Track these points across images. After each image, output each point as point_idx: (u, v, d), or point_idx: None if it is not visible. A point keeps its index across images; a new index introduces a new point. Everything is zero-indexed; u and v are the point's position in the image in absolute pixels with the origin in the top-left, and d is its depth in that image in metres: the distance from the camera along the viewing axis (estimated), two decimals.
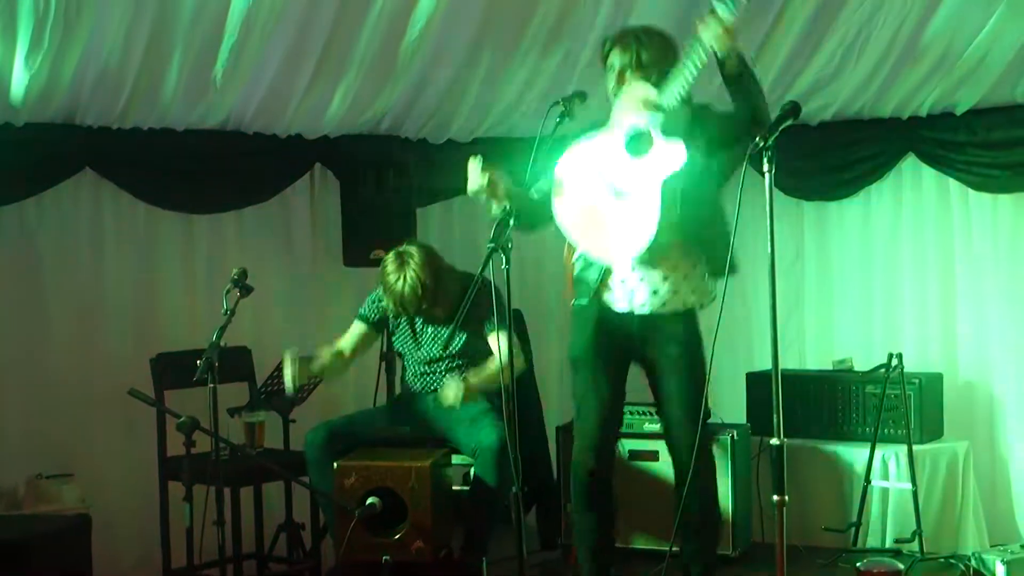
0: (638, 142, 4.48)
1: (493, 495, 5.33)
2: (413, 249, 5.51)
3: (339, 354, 5.65)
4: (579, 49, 6.02)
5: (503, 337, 4.85)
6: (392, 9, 5.48)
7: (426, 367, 5.70)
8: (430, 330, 5.64)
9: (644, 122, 4.42)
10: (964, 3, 5.59)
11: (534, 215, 4.73)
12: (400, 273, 5.43)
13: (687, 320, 4.65)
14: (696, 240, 4.59)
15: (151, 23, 5.16)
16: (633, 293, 4.61)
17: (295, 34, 5.55)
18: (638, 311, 4.62)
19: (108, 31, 5.12)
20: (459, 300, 5.38)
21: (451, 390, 5.29)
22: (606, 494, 4.85)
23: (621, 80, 4.60)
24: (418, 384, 5.74)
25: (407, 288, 5.40)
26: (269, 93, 5.95)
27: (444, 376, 5.57)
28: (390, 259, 5.50)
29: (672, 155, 4.39)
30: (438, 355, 5.62)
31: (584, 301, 4.72)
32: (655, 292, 4.59)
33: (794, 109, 3.87)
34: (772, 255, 3.72)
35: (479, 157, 4.64)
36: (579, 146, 4.65)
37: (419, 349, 5.68)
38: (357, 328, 5.74)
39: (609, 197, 4.53)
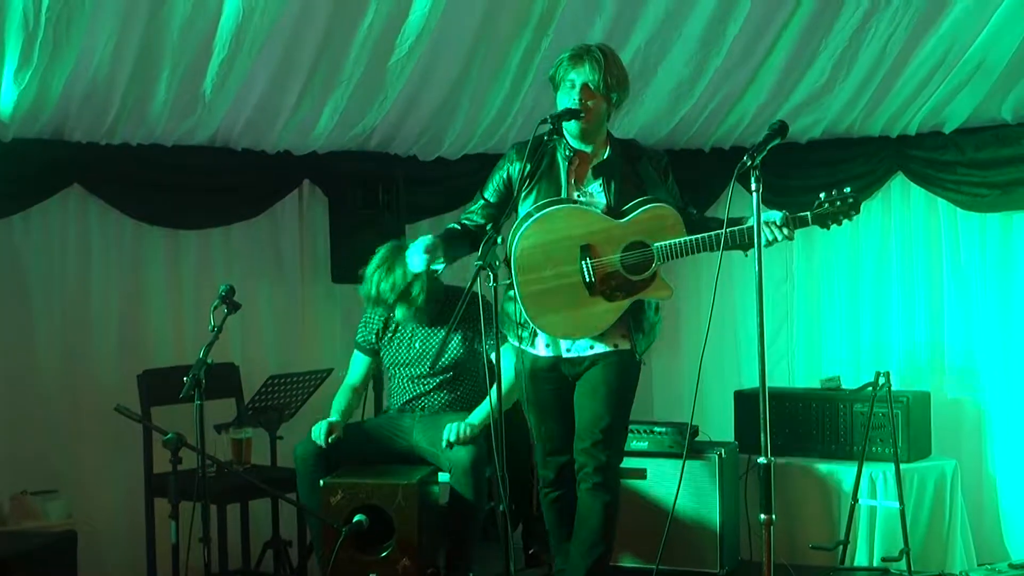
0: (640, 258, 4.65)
1: (470, 510, 5.33)
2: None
3: (356, 393, 5.76)
4: None
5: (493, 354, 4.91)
6: (381, 27, 5.48)
7: (413, 381, 5.69)
8: (418, 345, 5.62)
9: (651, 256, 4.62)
10: (953, 22, 5.61)
11: (459, 253, 4.89)
12: (387, 264, 5.48)
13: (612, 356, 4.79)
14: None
15: (140, 39, 5.16)
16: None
17: (284, 51, 5.55)
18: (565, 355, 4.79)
19: (97, 47, 5.12)
20: (446, 308, 5.42)
21: (452, 433, 5.31)
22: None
23: (587, 95, 4.61)
24: (405, 397, 5.72)
25: (394, 277, 5.43)
26: (258, 109, 5.95)
27: (432, 392, 5.57)
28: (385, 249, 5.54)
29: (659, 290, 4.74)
30: (426, 371, 5.61)
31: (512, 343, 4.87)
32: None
33: (781, 128, 3.89)
34: (759, 274, 3.73)
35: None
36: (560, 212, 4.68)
37: (408, 363, 5.67)
38: (359, 360, 5.78)
39: (577, 279, 4.63)
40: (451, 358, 5.56)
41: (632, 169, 4.74)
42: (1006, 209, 6.40)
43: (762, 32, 5.91)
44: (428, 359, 5.58)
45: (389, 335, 5.68)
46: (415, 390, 5.68)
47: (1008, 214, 6.44)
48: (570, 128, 4.66)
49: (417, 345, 5.63)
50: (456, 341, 5.54)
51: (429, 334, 5.61)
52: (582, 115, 4.56)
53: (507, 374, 5.14)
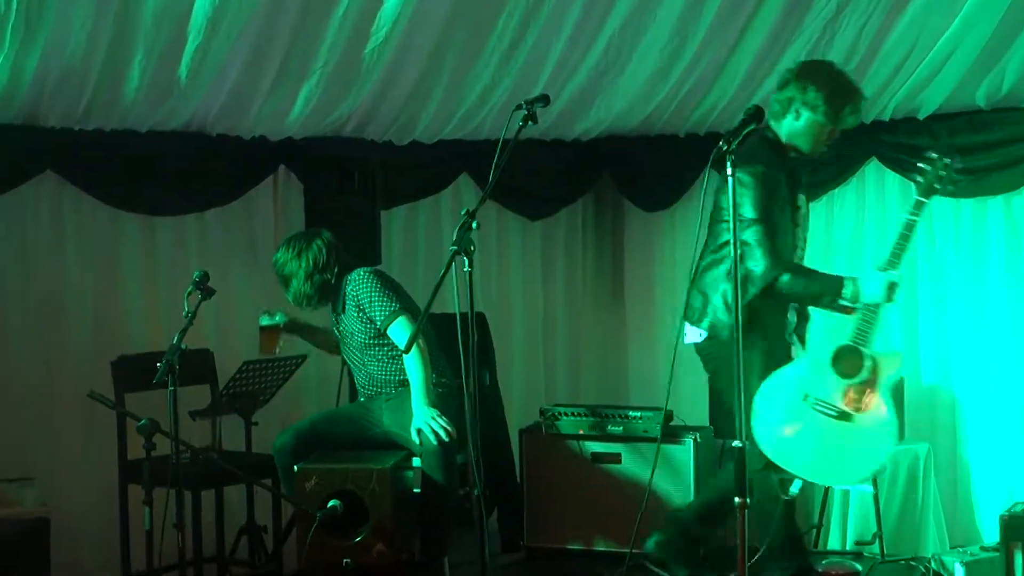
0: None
1: (442, 494, 5.34)
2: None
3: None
4: (544, 51, 6.03)
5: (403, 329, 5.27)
6: (356, 12, 5.46)
7: (350, 364, 5.80)
8: (341, 325, 5.70)
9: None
10: (926, 7, 5.62)
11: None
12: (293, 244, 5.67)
13: None
14: None
15: (114, 23, 5.12)
16: None
17: (259, 36, 5.52)
18: None
19: (70, 31, 5.08)
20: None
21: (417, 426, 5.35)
22: None
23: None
24: (355, 380, 5.83)
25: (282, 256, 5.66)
26: (233, 95, 5.93)
27: (365, 367, 5.65)
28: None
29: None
30: (348, 352, 5.73)
31: None
32: None
33: (757, 113, 3.90)
34: (735, 257, 3.74)
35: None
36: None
37: (341, 346, 5.76)
38: None
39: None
40: (353, 335, 5.62)
41: None
42: (980, 195, 6.42)
43: (736, 16, 5.91)
44: (344, 338, 5.69)
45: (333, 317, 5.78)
46: (354, 372, 5.77)
47: (982, 200, 6.46)
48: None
49: (341, 325, 5.69)
50: (351, 317, 5.58)
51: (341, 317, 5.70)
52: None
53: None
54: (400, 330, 5.44)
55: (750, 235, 4.86)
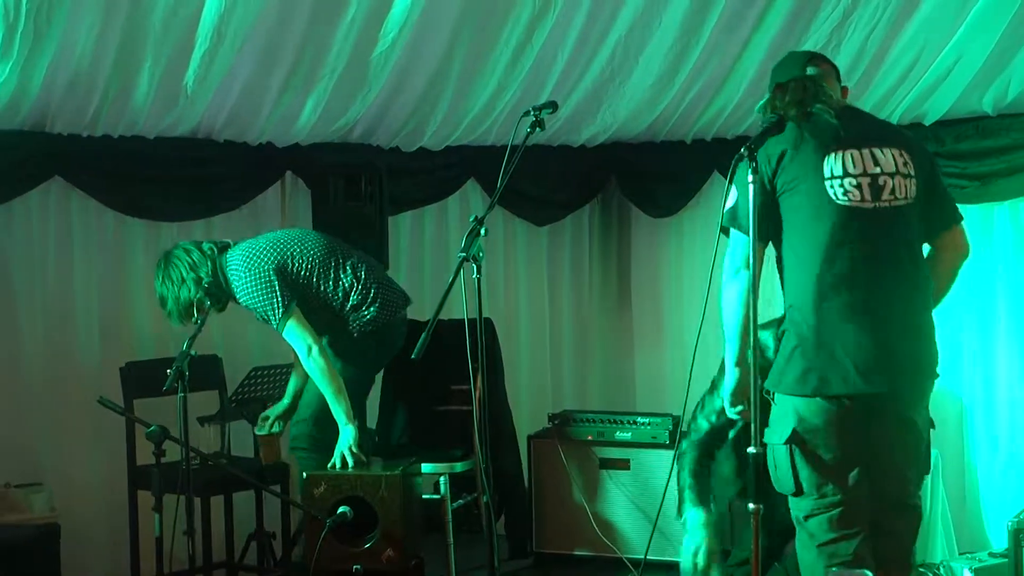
0: None
1: None
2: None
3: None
4: (550, 57, 6.04)
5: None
6: (364, 19, 5.47)
7: None
8: None
9: None
10: (933, 14, 5.63)
11: None
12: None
13: None
14: None
15: (122, 30, 5.13)
16: None
17: (267, 43, 5.53)
18: None
19: (78, 38, 5.09)
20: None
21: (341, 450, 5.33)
22: None
23: None
24: None
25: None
26: (240, 101, 5.94)
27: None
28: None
29: None
30: None
31: None
32: None
33: (779, 122, 3.89)
34: (753, 263, 3.73)
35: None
36: None
37: None
38: None
39: None
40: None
41: None
42: (986, 201, 6.41)
43: (741, 22, 5.92)
44: None
45: None
46: None
47: (988, 206, 6.45)
48: None
49: None
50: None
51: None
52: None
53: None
54: (291, 335, 5.34)
55: None
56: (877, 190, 3.99)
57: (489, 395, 5.99)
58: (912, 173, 4.07)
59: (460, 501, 5.96)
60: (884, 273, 3.99)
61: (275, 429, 5.69)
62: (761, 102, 4.17)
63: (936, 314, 6.48)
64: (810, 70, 4.21)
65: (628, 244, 8.10)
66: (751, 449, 3.70)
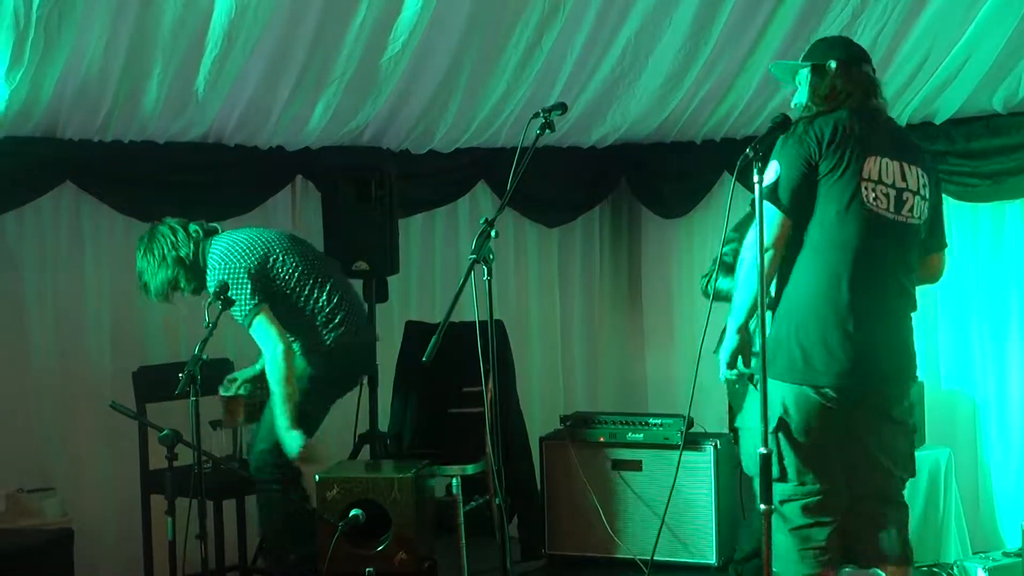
0: None
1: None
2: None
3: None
4: (560, 59, 6.04)
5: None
6: (374, 22, 5.48)
7: None
8: None
9: None
10: (942, 12, 5.62)
11: None
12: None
13: None
14: None
15: (132, 36, 5.14)
16: None
17: (277, 47, 5.54)
18: None
19: (88, 45, 5.10)
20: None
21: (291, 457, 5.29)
22: None
23: None
24: None
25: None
26: (250, 105, 5.95)
27: None
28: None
29: None
30: None
31: None
32: None
33: (784, 122, 3.90)
34: (761, 265, 3.72)
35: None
36: None
37: None
38: None
39: None
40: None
41: None
42: (997, 199, 6.41)
43: (751, 22, 5.91)
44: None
45: None
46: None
47: (1000, 204, 6.45)
48: None
49: None
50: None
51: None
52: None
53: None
54: (258, 332, 5.29)
55: None
56: (900, 204, 4.12)
57: (501, 397, 6.00)
58: (927, 196, 4.23)
59: (472, 503, 5.96)
60: (885, 281, 4.12)
61: (241, 391, 5.59)
62: (808, 88, 4.26)
63: (948, 312, 6.50)
64: (868, 69, 4.30)
65: (638, 245, 8.10)
66: (761, 450, 3.69)
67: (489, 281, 4.28)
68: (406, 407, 6.41)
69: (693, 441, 5.95)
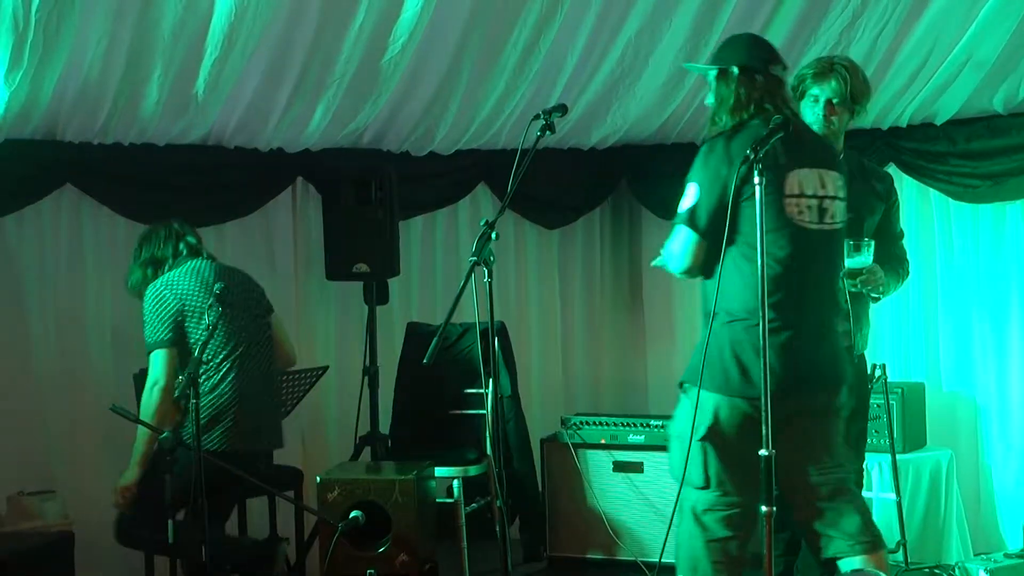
0: None
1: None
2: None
3: None
4: (559, 60, 6.04)
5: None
6: (373, 24, 5.48)
7: None
8: None
9: None
10: (943, 13, 5.62)
11: None
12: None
13: None
14: None
15: (131, 39, 5.14)
16: None
17: (276, 49, 5.55)
18: None
19: (88, 47, 5.11)
20: None
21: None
22: None
23: (831, 111, 4.75)
24: None
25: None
26: (250, 108, 5.95)
27: None
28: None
29: None
30: None
31: None
32: None
33: (784, 123, 3.88)
34: (761, 268, 3.71)
35: None
36: None
37: None
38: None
39: None
40: None
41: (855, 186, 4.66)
42: (998, 200, 6.41)
43: (751, 24, 5.90)
44: None
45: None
46: None
47: (1000, 205, 6.45)
48: None
49: None
50: None
51: None
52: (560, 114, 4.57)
53: None
54: (153, 364, 5.14)
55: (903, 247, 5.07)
56: (823, 213, 4.14)
57: (502, 399, 6.00)
58: (844, 196, 4.24)
59: (474, 505, 5.95)
60: (814, 293, 4.13)
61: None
62: (715, 94, 4.26)
63: (949, 313, 6.49)
64: (776, 70, 4.27)
65: (639, 246, 8.07)
66: (762, 452, 3.68)
67: (490, 283, 4.29)
68: (407, 409, 6.41)
69: None
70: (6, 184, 5.66)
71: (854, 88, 4.77)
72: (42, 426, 5.89)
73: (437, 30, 5.65)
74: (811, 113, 4.75)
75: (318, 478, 5.26)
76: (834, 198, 4.16)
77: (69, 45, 5.00)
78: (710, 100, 4.32)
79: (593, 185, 7.82)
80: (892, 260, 4.93)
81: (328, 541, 5.14)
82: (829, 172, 4.18)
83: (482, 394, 5.54)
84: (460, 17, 5.65)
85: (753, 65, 4.20)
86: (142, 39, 5.16)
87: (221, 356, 5.17)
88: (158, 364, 5.10)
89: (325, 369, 6.24)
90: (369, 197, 6.40)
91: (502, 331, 6.18)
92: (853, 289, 4.69)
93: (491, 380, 4.83)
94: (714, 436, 4.07)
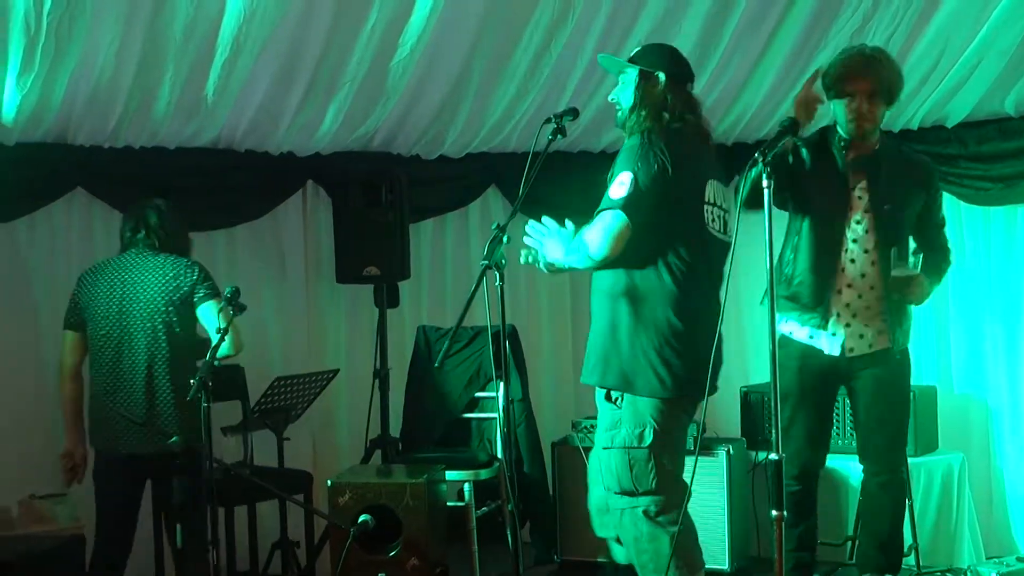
0: None
1: None
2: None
3: None
4: (570, 63, 6.04)
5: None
6: (383, 27, 5.48)
7: None
8: None
9: None
10: (954, 16, 5.61)
11: None
12: None
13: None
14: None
15: (142, 42, 5.15)
16: None
17: (287, 52, 5.55)
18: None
19: (99, 50, 5.11)
20: None
21: None
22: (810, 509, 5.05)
23: (870, 106, 4.76)
24: None
25: None
26: (261, 111, 5.95)
27: None
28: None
29: None
30: None
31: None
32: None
33: (793, 125, 3.88)
34: (770, 270, 3.71)
35: None
36: None
37: None
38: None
39: None
40: None
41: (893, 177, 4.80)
42: (1009, 203, 6.39)
43: (761, 27, 5.90)
44: None
45: None
46: None
47: (1012, 207, 6.43)
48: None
49: None
50: None
51: None
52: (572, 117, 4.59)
53: None
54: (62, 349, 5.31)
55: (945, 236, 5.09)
56: (724, 224, 4.35)
57: (512, 402, 6.00)
58: (729, 209, 4.43)
59: (485, 508, 5.95)
60: (715, 297, 4.32)
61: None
62: (635, 93, 4.40)
63: (960, 316, 6.49)
64: (691, 88, 4.48)
65: None
66: (772, 456, 3.67)
67: (501, 287, 4.28)
68: (419, 412, 6.41)
69: (705, 446, 5.93)
70: (17, 187, 5.67)
71: (890, 79, 4.81)
72: (54, 430, 5.88)
73: (448, 34, 5.65)
74: (846, 110, 4.78)
75: (329, 482, 5.25)
76: (727, 211, 4.37)
77: (80, 48, 5.01)
78: (624, 97, 4.45)
79: (603, 188, 7.79)
80: (935, 251, 4.97)
81: (339, 545, 5.13)
82: (722, 185, 4.40)
83: (493, 397, 5.53)
84: (471, 21, 5.64)
85: (677, 76, 4.38)
86: (153, 42, 5.17)
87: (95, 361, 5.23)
88: (64, 348, 5.25)
89: (336, 372, 6.25)
90: (379, 200, 6.41)
91: (513, 335, 6.18)
92: (896, 297, 4.76)
93: (502, 383, 4.81)
94: (659, 440, 4.20)
